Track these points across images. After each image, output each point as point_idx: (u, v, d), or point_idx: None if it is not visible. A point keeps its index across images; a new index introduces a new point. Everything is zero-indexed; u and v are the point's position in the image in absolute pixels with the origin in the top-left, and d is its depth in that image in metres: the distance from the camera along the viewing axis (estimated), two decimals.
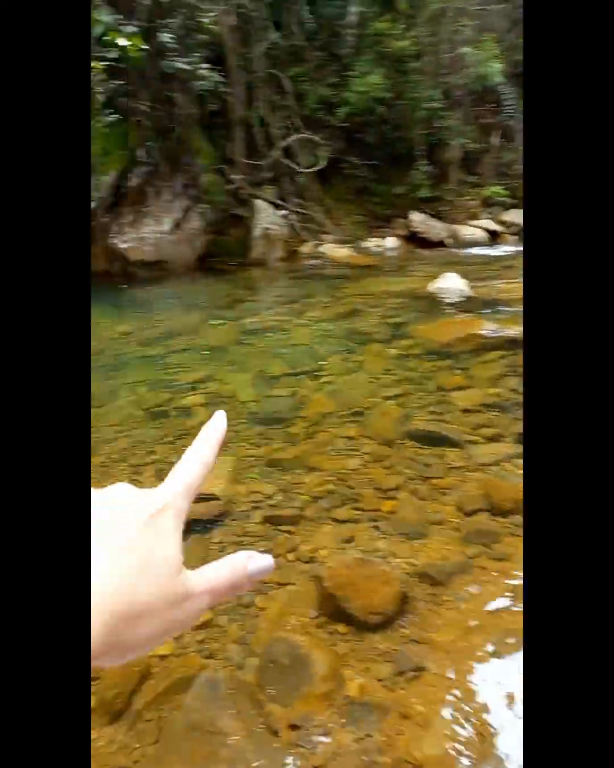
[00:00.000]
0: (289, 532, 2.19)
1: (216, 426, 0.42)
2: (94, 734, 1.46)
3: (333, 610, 1.76)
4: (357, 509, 2.25)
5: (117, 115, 7.06)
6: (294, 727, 1.44)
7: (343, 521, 2.19)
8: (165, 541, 0.33)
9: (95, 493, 0.35)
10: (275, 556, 2.08)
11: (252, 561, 0.37)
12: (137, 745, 1.43)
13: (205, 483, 0.40)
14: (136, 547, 0.32)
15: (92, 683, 1.59)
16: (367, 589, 1.75)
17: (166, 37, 7.00)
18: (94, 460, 2.79)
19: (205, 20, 7.35)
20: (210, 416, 0.43)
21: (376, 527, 2.13)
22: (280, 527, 2.23)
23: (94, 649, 0.28)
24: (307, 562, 2.02)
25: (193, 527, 2.23)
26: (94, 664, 0.29)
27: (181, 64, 7.14)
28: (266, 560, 0.38)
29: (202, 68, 7.30)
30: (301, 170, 8.43)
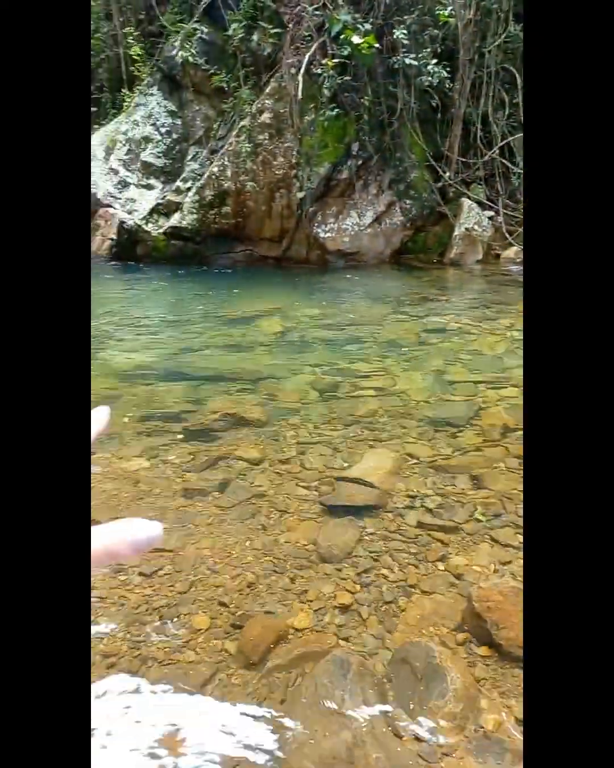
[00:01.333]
0: (442, 541, 2.11)
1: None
2: (232, 670, 1.57)
3: (478, 632, 1.67)
4: (522, 535, 2.08)
5: (339, 110, 7.34)
6: (418, 738, 1.40)
7: (505, 544, 2.05)
8: None
9: None
10: (422, 561, 2.03)
11: (134, 529, 0.33)
12: (265, 697, 1.51)
13: None
14: None
15: (233, 634, 1.71)
16: (521, 621, 1.62)
17: (400, 33, 7.06)
18: (268, 430, 2.98)
19: (444, 12, 7.24)
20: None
21: None
22: (433, 533, 2.16)
23: None
24: (456, 577, 1.94)
25: (346, 511, 2.27)
26: None
27: (410, 59, 7.16)
28: (152, 529, 0.34)
29: (430, 64, 7.23)
30: (519, 171, 7.94)
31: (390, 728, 1.42)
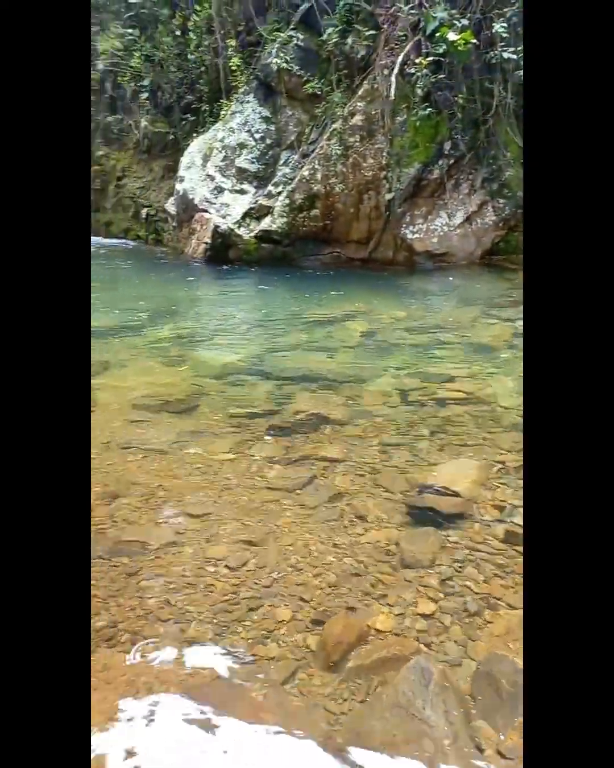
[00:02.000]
0: None
1: None
2: (313, 671, 1.59)
3: None
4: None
5: (431, 109, 7.21)
6: (502, 754, 1.35)
7: None
8: None
9: None
10: (509, 573, 1.95)
11: None
12: (345, 700, 1.52)
13: None
14: None
15: (315, 630, 1.74)
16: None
17: (500, 27, 6.82)
18: (350, 431, 2.99)
19: None
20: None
21: None
22: (521, 547, 2.08)
23: None
24: None
25: (429, 517, 2.23)
26: None
27: (508, 53, 6.89)
28: None
29: None
30: None
31: (472, 741, 1.39)
